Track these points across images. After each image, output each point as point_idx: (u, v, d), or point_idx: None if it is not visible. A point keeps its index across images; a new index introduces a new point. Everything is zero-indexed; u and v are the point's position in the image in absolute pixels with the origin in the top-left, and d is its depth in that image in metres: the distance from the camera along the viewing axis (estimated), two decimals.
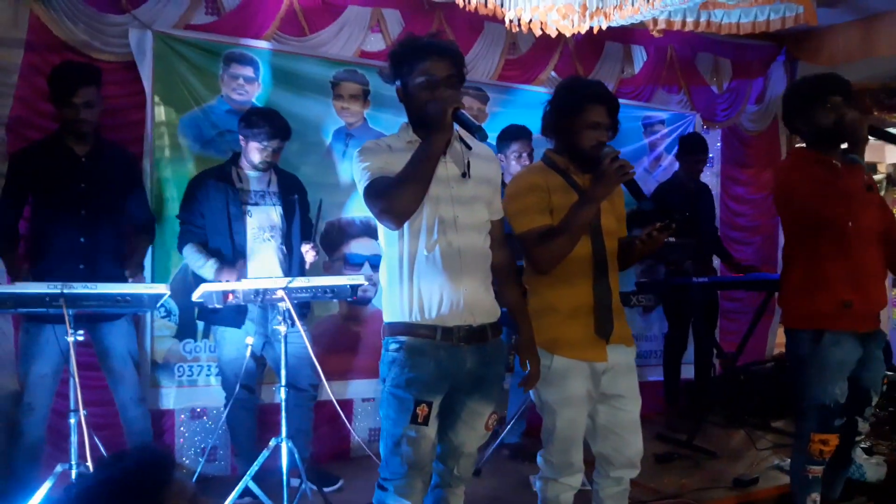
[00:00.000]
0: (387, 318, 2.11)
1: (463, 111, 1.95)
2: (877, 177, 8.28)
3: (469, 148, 2.13)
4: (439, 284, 2.03)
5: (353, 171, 2.08)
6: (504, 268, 2.24)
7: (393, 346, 2.06)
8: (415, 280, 2.04)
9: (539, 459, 2.41)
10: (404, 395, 2.01)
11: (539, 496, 2.43)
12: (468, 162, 2.10)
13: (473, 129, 1.97)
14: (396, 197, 1.94)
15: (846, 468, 2.94)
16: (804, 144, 2.80)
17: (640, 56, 5.06)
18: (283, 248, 3.30)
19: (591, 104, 2.29)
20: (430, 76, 2.02)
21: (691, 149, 4.54)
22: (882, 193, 7.91)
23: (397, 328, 2.07)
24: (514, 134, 3.85)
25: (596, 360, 2.29)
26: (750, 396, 4.73)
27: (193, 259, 3.20)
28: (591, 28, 3.62)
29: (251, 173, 3.28)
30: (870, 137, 2.57)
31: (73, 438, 2.60)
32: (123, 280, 3.07)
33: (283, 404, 2.86)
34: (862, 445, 3.96)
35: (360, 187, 2.04)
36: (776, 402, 4.63)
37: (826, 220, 2.57)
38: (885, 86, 6.12)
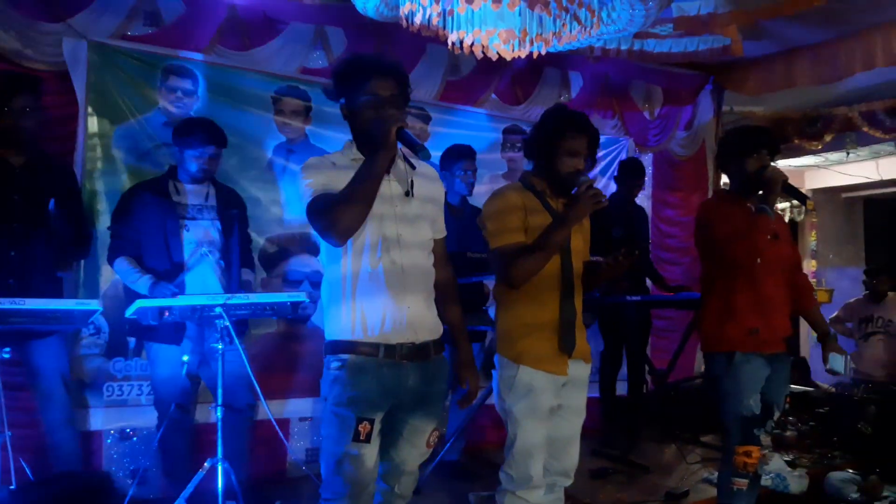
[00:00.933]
0: (329, 336, 2.10)
1: (407, 130, 1.96)
2: (796, 202, 8.70)
3: (413, 167, 2.16)
4: (382, 302, 2.03)
5: (297, 187, 2.06)
6: (446, 286, 2.27)
7: (335, 365, 2.04)
8: (357, 297, 2.03)
9: (501, 474, 2.45)
10: (346, 414, 2.00)
11: None
12: (412, 181, 2.12)
13: (417, 148, 1.97)
14: (340, 214, 1.93)
15: (756, 482, 3.08)
16: (728, 185, 3.04)
17: (577, 82, 5.22)
18: (222, 262, 3.23)
19: (574, 133, 2.41)
20: (375, 95, 2.03)
21: (631, 173, 4.71)
22: (801, 218, 8.38)
23: (339, 346, 2.05)
24: (459, 153, 3.93)
25: (557, 373, 2.39)
26: (680, 412, 4.88)
27: (126, 273, 3.10)
28: (531, 53, 3.72)
29: (189, 186, 3.22)
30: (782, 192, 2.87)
31: None
32: (57, 296, 2.96)
33: (220, 424, 2.80)
34: (785, 458, 4.15)
35: (304, 204, 2.03)
36: (705, 417, 4.78)
37: (736, 257, 2.86)
38: (805, 115, 6.45)
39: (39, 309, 2.51)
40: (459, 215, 3.89)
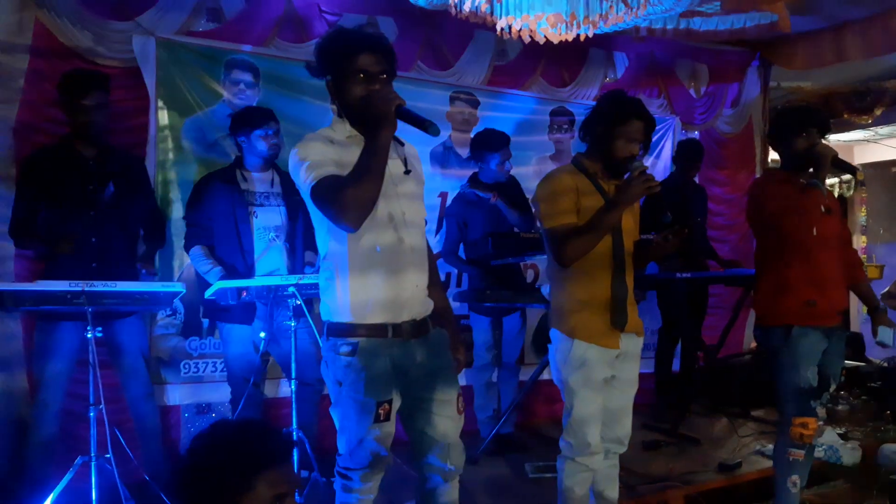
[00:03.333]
0: (332, 318, 2.08)
1: (408, 108, 1.90)
2: (845, 177, 8.58)
3: (402, 144, 2.15)
4: (391, 281, 2.03)
5: (293, 169, 2.01)
6: (433, 267, 2.28)
7: (345, 349, 2.03)
8: (366, 277, 2.02)
9: (560, 442, 2.59)
10: (366, 400, 2.01)
11: (558, 476, 2.61)
12: (405, 159, 2.13)
13: (426, 124, 1.88)
14: (351, 198, 1.86)
15: (810, 454, 3.14)
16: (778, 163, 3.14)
17: (622, 62, 5.25)
18: (287, 245, 3.38)
19: (632, 119, 2.49)
20: (365, 71, 1.99)
21: (689, 154, 4.77)
22: (850, 193, 8.26)
23: (346, 329, 2.04)
24: (492, 143, 3.87)
25: (610, 346, 2.51)
26: (730, 387, 4.94)
27: (200, 262, 3.28)
28: (578, 35, 3.79)
29: (255, 174, 3.37)
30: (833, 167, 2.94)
31: (93, 431, 2.68)
32: (135, 278, 3.16)
33: (294, 396, 2.97)
34: (837, 431, 4.19)
35: (306, 187, 1.97)
36: (755, 392, 4.84)
37: (789, 232, 2.92)
38: (854, 90, 6.37)
39: (129, 291, 2.69)
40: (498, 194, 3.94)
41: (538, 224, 2.56)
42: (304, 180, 1.96)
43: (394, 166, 2.06)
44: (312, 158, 1.96)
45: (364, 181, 1.87)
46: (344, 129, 2.06)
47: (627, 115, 2.49)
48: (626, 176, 2.46)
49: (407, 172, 2.10)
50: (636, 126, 2.50)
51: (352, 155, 1.94)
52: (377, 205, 1.95)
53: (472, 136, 4.14)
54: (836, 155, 2.90)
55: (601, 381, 2.52)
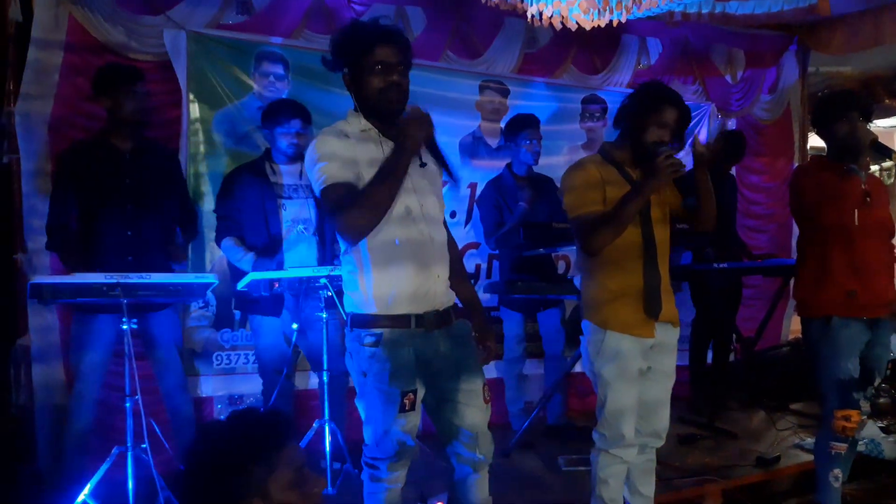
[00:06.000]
0: (355, 309, 2.11)
1: (437, 143, 1.98)
2: (886, 164, 8.34)
3: None
4: (413, 273, 2.05)
5: (308, 165, 2.05)
6: (458, 261, 2.31)
7: (369, 340, 2.05)
8: (388, 269, 2.04)
9: (594, 434, 2.56)
10: (390, 390, 2.03)
11: (592, 469, 2.58)
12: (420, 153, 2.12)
13: (447, 168, 2.00)
14: (357, 218, 1.93)
15: (853, 448, 3.06)
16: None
17: (655, 48, 5.15)
18: (316, 237, 3.38)
19: (669, 106, 2.45)
20: (383, 63, 2.00)
21: (733, 147, 4.62)
22: (891, 181, 8.03)
23: (370, 320, 2.06)
24: (523, 123, 3.90)
25: (644, 336, 2.46)
26: (768, 380, 4.83)
27: (232, 252, 3.30)
28: (610, 21, 3.72)
29: (284, 167, 3.38)
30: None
31: (129, 422, 2.71)
32: (169, 270, 3.19)
33: (325, 388, 2.97)
34: (879, 424, 4.08)
35: (316, 187, 2.02)
36: (793, 384, 4.73)
37: (826, 221, 2.84)
38: (894, 73, 6.18)
39: (164, 283, 2.71)
40: (525, 185, 3.91)
41: (566, 214, 2.52)
42: (315, 179, 2.01)
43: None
44: (326, 158, 1.98)
45: (372, 200, 1.92)
46: (359, 123, 2.08)
47: (662, 101, 2.44)
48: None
49: (423, 165, 2.10)
50: (670, 113, 2.44)
51: (365, 150, 1.99)
52: (397, 197, 1.98)
53: (500, 126, 4.10)
54: (875, 139, 2.81)
55: (636, 372, 2.47)
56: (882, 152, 2.89)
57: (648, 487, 2.65)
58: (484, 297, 4.01)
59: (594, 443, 2.57)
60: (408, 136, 1.96)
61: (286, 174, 3.39)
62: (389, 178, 1.94)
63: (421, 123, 1.97)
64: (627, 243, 2.43)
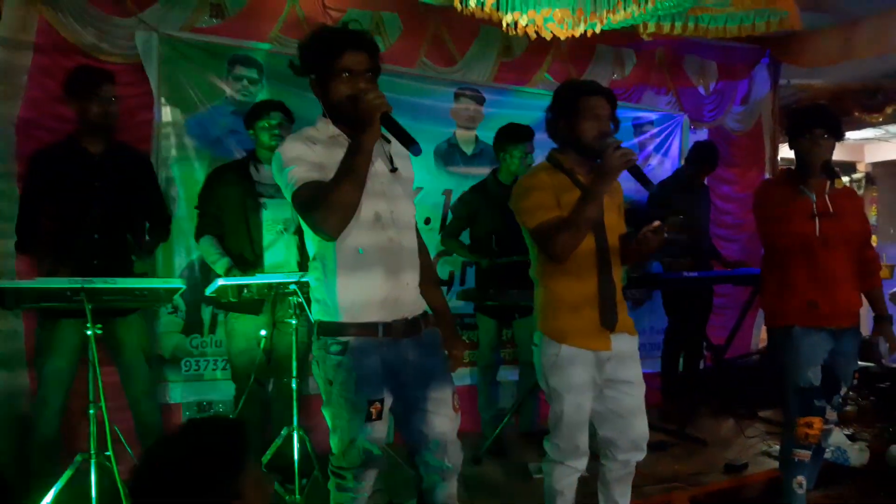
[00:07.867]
0: (322, 317, 2.07)
1: (393, 117, 1.90)
2: (856, 175, 8.50)
3: (388, 141, 2.12)
4: (380, 280, 2.02)
5: (275, 172, 2.01)
6: (429, 267, 2.28)
7: (335, 349, 2.02)
8: (355, 276, 2.00)
9: (546, 444, 2.52)
10: (356, 399, 2.00)
11: (545, 480, 2.55)
12: (390, 156, 2.10)
13: (408, 140, 1.91)
14: (331, 209, 1.87)
15: (819, 455, 3.10)
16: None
17: (629, 59, 5.19)
18: (297, 238, 3.35)
19: (590, 95, 2.40)
20: (350, 70, 1.97)
21: (704, 156, 4.68)
22: (861, 192, 8.18)
23: (336, 328, 2.03)
24: (518, 135, 3.83)
25: (601, 349, 2.41)
26: (737, 387, 4.89)
27: (208, 251, 3.27)
28: (585, 32, 3.75)
29: (267, 166, 3.34)
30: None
31: (93, 429, 2.66)
32: (134, 275, 3.14)
33: (294, 394, 2.95)
34: (845, 432, 4.14)
35: (287, 192, 1.97)
36: (762, 392, 4.78)
37: (786, 233, 2.91)
38: (864, 87, 6.31)
39: (129, 287, 2.67)
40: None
41: (522, 227, 2.44)
42: (285, 184, 1.96)
43: (379, 165, 2.05)
44: (293, 162, 1.94)
45: (344, 185, 1.86)
46: (327, 129, 2.04)
47: (582, 92, 2.40)
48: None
49: (393, 170, 2.08)
50: (596, 101, 2.39)
51: (334, 155, 1.93)
52: (362, 204, 1.94)
53: (475, 133, 4.09)
54: (827, 161, 2.88)
55: (591, 384, 2.41)
56: (830, 175, 2.93)
57: (625, 498, 2.60)
58: (458, 304, 4.01)
59: (546, 453, 2.52)
60: (366, 131, 1.89)
61: (269, 174, 3.35)
62: (350, 174, 1.88)
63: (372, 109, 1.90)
64: (581, 252, 2.35)
